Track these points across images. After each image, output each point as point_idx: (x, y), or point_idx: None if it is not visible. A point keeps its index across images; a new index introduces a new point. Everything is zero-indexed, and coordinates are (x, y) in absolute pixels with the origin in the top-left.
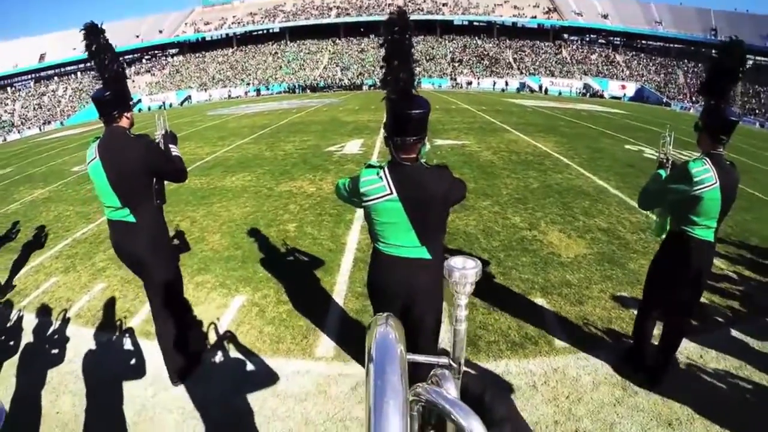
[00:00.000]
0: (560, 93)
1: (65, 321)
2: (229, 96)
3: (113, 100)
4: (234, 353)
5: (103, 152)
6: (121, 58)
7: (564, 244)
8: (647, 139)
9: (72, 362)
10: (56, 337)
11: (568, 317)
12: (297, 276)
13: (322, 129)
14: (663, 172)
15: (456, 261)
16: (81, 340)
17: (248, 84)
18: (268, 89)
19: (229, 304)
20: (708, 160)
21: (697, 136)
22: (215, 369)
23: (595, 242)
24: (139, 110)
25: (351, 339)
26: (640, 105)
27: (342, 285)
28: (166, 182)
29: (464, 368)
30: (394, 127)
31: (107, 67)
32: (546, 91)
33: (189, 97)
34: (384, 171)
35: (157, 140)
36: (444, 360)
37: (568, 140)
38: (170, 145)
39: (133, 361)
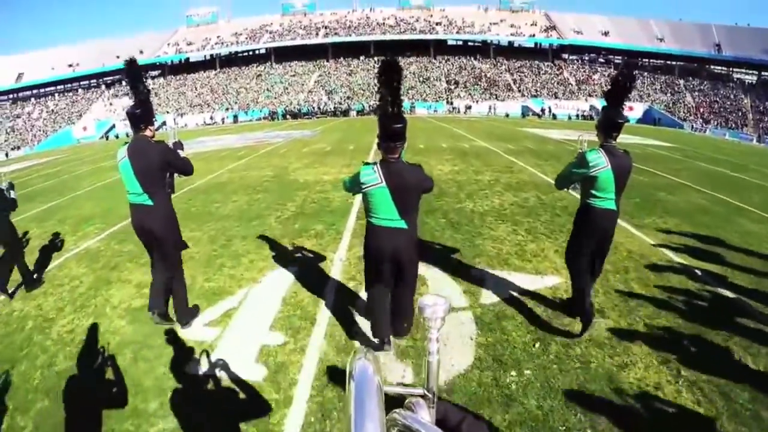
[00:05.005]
0: (569, 117)
1: None
2: (206, 122)
3: (142, 116)
4: None
5: (131, 153)
6: (100, 80)
7: None
8: None
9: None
10: None
11: None
12: None
13: (244, 207)
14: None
15: (428, 299)
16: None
17: (227, 109)
18: (246, 114)
19: None
20: (602, 149)
21: (596, 132)
22: None
23: None
24: (116, 137)
25: None
26: (657, 129)
27: None
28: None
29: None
30: (384, 136)
31: (141, 92)
32: (554, 116)
33: (164, 123)
34: (377, 166)
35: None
36: (419, 390)
37: (708, 229)
38: (178, 150)
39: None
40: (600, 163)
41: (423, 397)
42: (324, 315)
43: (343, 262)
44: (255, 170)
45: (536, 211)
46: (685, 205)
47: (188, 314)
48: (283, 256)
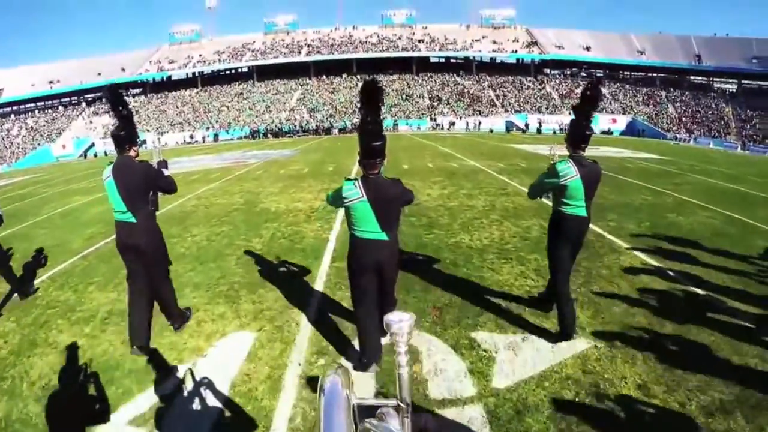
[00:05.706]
0: (554, 132)
1: None
2: (186, 141)
3: (126, 137)
4: None
5: (116, 172)
6: (81, 98)
7: None
8: None
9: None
10: None
11: None
12: None
13: (203, 243)
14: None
15: (393, 315)
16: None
17: (207, 128)
18: (227, 133)
19: None
20: (571, 160)
21: (565, 144)
22: None
23: None
24: (95, 155)
25: None
26: (642, 141)
27: None
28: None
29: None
30: (364, 153)
31: (124, 114)
32: (539, 130)
33: (144, 142)
34: (358, 182)
35: (153, 164)
36: (392, 401)
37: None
38: (162, 169)
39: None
40: (569, 173)
41: (397, 407)
42: (283, 413)
43: (311, 329)
44: (224, 196)
45: (542, 245)
46: (698, 227)
47: (180, 318)
48: (238, 316)
